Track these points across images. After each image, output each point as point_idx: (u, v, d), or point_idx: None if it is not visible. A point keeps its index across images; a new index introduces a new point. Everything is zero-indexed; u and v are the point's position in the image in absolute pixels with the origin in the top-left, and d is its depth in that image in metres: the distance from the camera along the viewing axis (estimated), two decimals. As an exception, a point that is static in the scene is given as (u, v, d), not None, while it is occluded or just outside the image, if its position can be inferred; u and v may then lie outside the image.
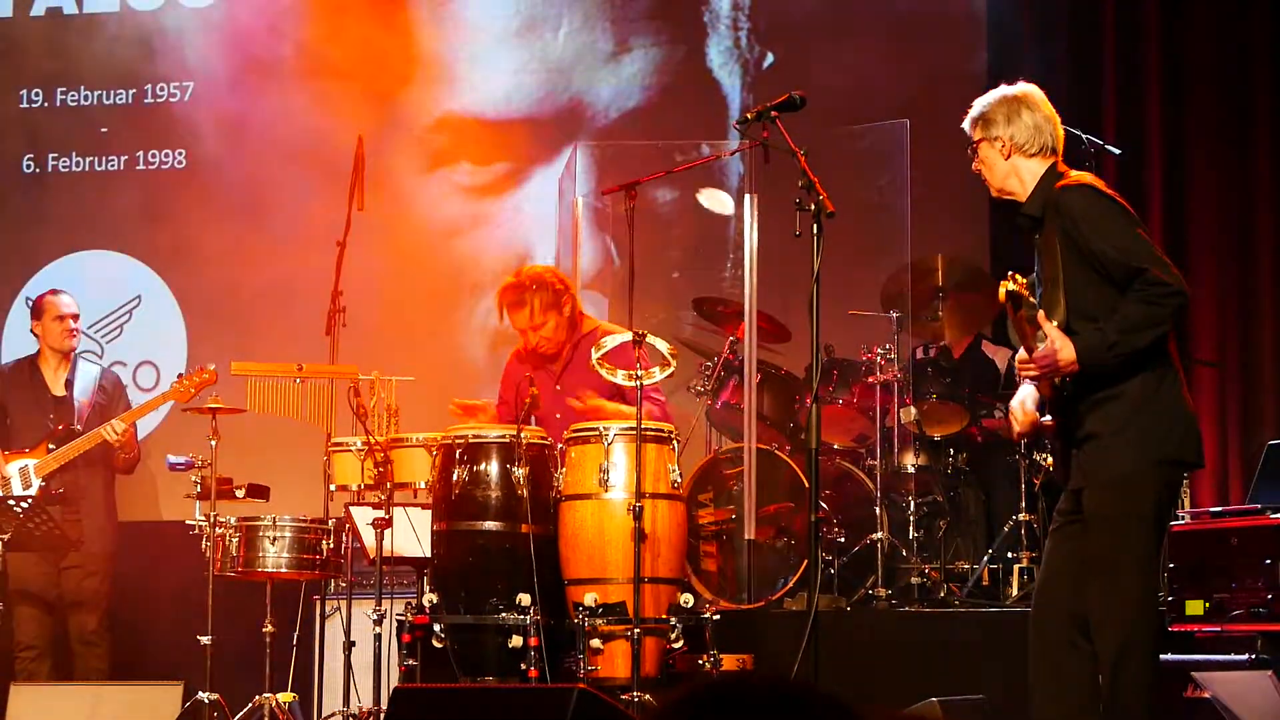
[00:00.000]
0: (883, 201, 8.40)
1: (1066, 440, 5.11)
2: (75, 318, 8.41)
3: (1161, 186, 8.82)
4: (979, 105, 5.24)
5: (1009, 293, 4.77)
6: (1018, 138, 5.15)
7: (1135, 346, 4.91)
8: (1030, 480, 7.70)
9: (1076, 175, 5.16)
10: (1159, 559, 5.29)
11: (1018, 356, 5.00)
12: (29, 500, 7.55)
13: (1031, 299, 4.88)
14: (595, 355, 6.48)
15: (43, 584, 8.03)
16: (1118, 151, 7.84)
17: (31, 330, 8.49)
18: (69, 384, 8.31)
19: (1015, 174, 5.18)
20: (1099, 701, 5.11)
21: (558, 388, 7.05)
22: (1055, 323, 4.91)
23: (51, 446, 8.00)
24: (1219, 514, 7.15)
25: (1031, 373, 4.98)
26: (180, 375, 7.95)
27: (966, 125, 5.26)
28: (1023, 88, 5.26)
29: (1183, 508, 7.43)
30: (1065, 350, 4.88)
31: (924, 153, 8.19)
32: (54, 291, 8.51)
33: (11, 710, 7.22)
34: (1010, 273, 4.85)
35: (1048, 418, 5.09)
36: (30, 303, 8.81)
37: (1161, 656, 6.11)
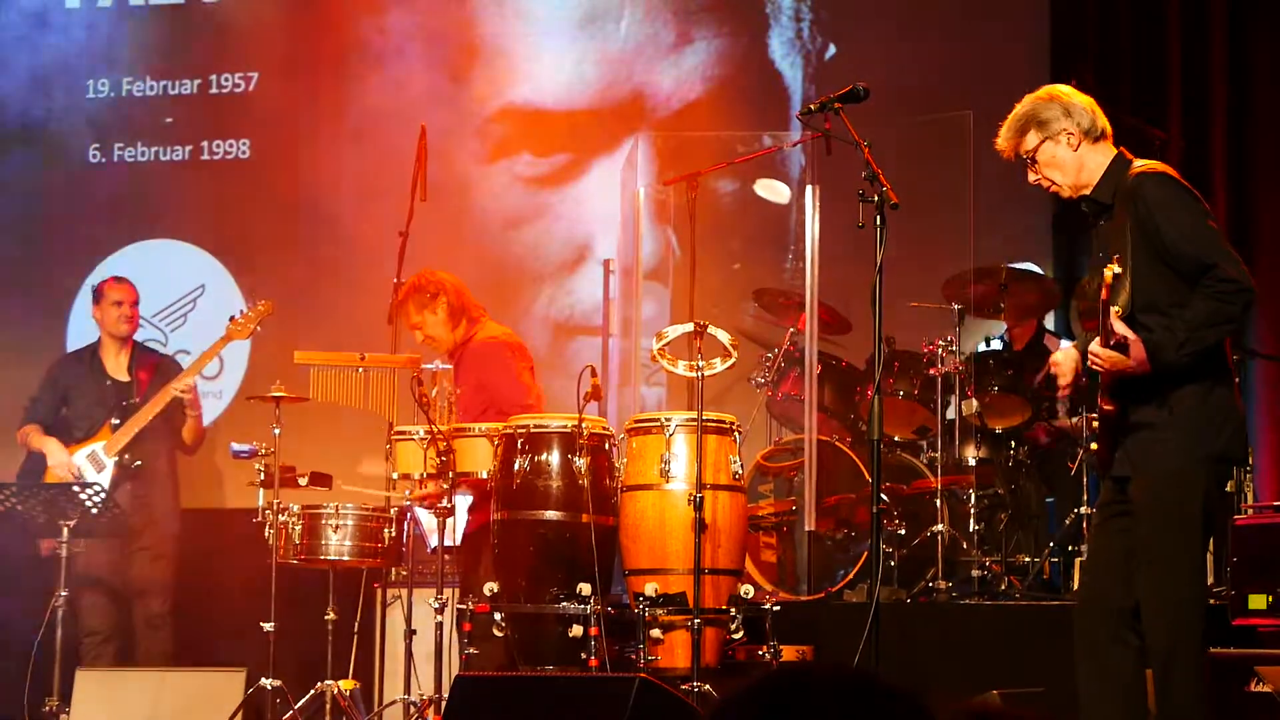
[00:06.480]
0: (945, 193, 8.36)
1: (1117, 426, 5.07)
2: (134, 303, 8.32)
3: (1225, 177, 8.73)
4: (1023, 116, 5.17)
5: (1116, 275, 4.75)
6: (1082, 124, 5.11)
7: (1205, 344, 4.88)
8: (1088, 473, 7.65)
9: (1150, 163, 5.12)
10: (1205, 553, 5.27)
11: (1091, 346, 4.94)
12: (100, 487, 7.55)
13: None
14: (656, 345, 6.49)
15: (110, 569, 8.02)
16: (1162, 135, 7.78)
17: (92, 316, 8.45)
18: (130, 369, 8.27)
19: (1085, 164, 5.13)
20: (1145, 697, 5.10)
21: (458, 391, 7.11)
22: (1118, 308, 4.87)
23: (115, 423, 7.99)
24: (1282, 508, 7.09)
25: (1102, 366, 4.93)
26: (232, 317, 7.95)
27: (1011, 137, 5.17)
28: (1048, 87, 5.25)
29: (1245, 501, 7.38)
30: (1136, 350, 4.85)
31: (986, 144, 8.13)
32: (114, 278, 8.45)
33: (77, 695, 7.28)
34: (1115, 256, 4.83)
35: (1107, 404, 5.04)
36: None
37: (1224, 650, 6.10)
